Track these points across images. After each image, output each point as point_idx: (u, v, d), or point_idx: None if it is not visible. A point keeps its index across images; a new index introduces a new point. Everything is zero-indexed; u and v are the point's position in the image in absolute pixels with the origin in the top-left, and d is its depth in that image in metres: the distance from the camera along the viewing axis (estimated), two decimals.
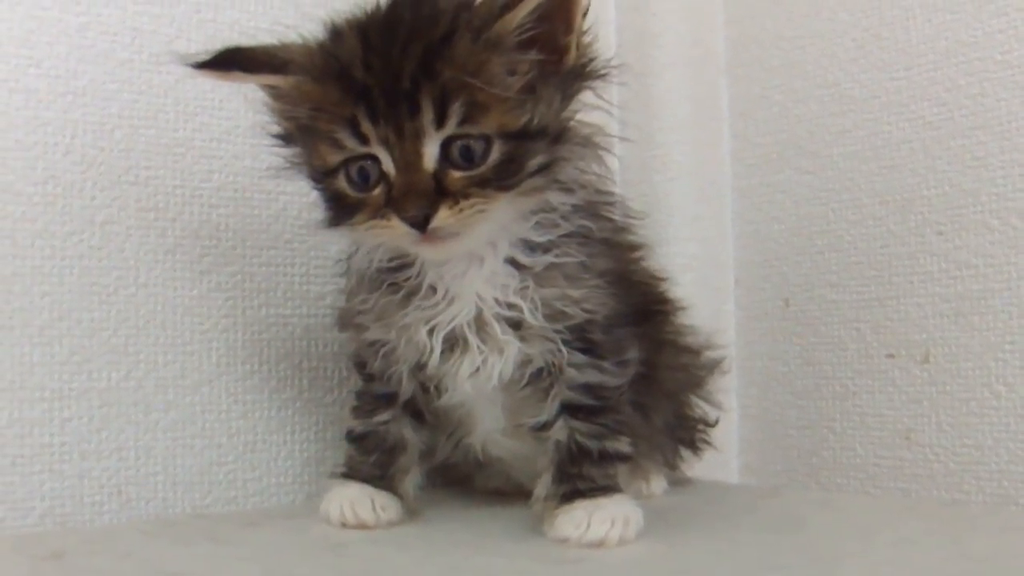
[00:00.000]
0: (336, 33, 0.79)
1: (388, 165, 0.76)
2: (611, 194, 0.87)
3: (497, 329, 0.81)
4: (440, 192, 0.74)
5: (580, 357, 0.82)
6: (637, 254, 0.93)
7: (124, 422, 0.95)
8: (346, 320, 0.89)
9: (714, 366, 1.01)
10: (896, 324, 1.06)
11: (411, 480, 0.90)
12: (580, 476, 0.82)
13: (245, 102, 0.84)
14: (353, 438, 0.90)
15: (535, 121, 0.75)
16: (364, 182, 0.77)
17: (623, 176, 1.20)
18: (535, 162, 0.76)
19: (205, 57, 0.80)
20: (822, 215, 1.12)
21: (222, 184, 1.01)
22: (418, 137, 0.74)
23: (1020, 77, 0.99)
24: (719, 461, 1.16)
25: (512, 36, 0.75)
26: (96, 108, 0.96)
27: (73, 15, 0.95)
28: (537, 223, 0.80)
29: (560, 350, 0.81)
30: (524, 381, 0.83)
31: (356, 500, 0.86)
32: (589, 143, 0.82)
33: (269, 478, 1.02)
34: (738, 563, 0.73)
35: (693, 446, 1.02)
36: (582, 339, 0.82)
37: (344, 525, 0.86)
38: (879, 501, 1.02)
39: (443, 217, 0.74)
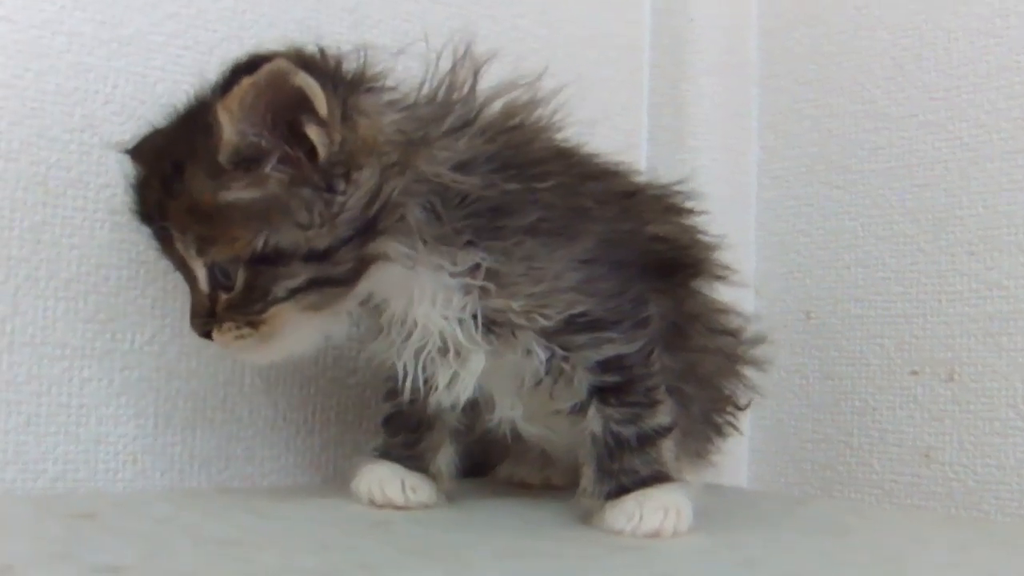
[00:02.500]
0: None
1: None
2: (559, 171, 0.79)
3: (457, 348, 0.77)
4: (213, 313, 0.75)
5: (583, 337, 0.77)
6: (640, 204, 0.87)
7: (145, 387, 0.91)
8: None
9: (755, 346, 0.96)
10: (921, 341, 1.06)
11: (444, 459, 0.87)
12: (623, 471, 0.78)
13: None
14: (383, 421, 0.88)
15: (269, 245, 0.71)
16: None
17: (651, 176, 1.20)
18: (284, 286, 0.73)
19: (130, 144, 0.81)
20: (850, 230, 1.13)
21: None
22: (185, 262, 0.75)
23: None
24: (728, 470, 1.15)
25: (244, 148, 0.71)
26: (140, 58, 0.92)
27: None
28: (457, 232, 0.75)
29: (550, 348, 0.77)
30: (535, 378, 0.80)
31: (385, 480, 0.84)
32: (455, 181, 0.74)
33: (287, 457, 0.98)
34: (806, 559, 0.72)
35: (719, 430, 0.97)
36: (577, 322, 0.77)
37: (372, 503, 0.83)
38: (912, 512, 1.02)
39: (218, 338, 0.76)
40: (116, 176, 0.89)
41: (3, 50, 0.85)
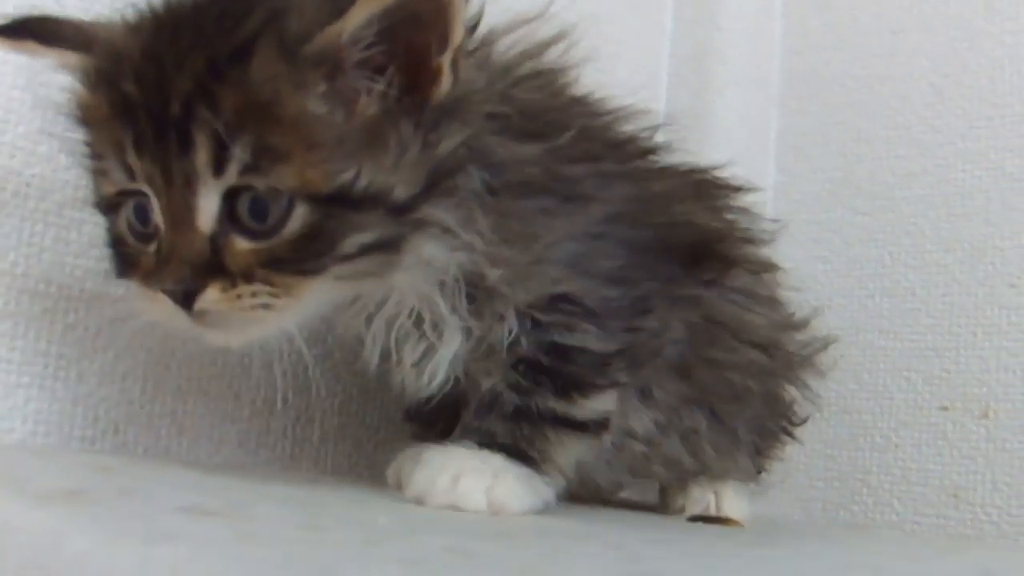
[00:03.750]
0: (133, 22, 0.60)
1: (157, 215, 0.58)
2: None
3: (434, 320, 0.65)
4: (216, 264, 0.56)
5: (556, 316, 0.65)
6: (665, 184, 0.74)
7: (136, 344, 0.75)
8: None
9: (816, 349, 0.86)
10: (953, 376, 1.01)
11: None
12: None
13: None
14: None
15: (360, 183, 0.56)
16: (144, 226, 0.59)
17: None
18: (356, 240, 0.57)
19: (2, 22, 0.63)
20: (877, 258, 1.08)
21: None
22: (189, 184, 0.56)
23: None
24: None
25: (347, 52, 0.56)
26: None
27: None
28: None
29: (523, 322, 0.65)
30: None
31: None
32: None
33: (283, 446, 0.84)
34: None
35: (762, 449, 0.86)
36: (559, 306, 0.65)
37: None
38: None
39: (211, 299, 0.56)
40: None
41: None
